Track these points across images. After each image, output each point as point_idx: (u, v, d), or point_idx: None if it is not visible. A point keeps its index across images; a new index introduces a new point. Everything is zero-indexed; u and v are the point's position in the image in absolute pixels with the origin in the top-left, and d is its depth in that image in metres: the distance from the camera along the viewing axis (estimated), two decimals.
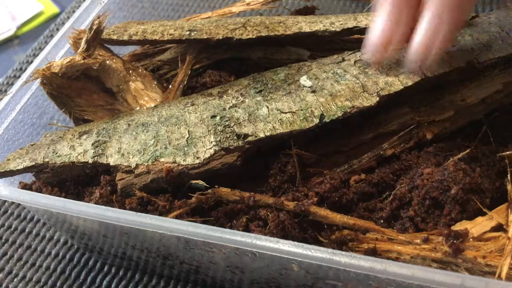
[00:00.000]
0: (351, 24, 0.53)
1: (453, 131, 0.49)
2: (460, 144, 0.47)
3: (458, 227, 0.41)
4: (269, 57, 0.59)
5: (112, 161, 0.48)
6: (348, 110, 0.46)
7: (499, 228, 0.41)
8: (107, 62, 0.59)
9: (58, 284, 0.57)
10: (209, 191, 0.45)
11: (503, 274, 0.37)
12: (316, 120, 0.46)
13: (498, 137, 0.49)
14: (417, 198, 0.43)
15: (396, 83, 0.47)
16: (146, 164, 0.47)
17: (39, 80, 0.55)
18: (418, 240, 0.41)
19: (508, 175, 0.43)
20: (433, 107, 0.49)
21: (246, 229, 0.44)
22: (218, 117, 0.48)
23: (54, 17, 0.98)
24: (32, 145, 0.52)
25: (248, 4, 0.69)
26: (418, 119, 0.48)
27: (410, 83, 0.47)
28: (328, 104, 0.46)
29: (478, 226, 0.41)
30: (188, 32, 0.58)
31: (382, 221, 0.45)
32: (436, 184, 0.42)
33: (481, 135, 0.48)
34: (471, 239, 0.40)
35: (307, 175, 0.48)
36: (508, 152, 0.44)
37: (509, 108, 0.51)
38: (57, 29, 0.91)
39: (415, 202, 0.43)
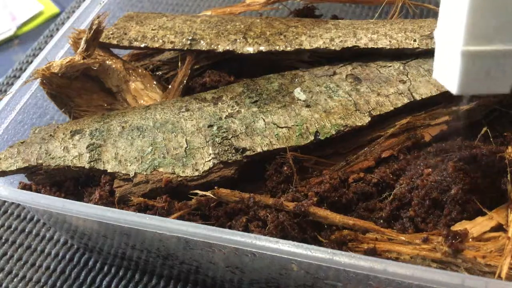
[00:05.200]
0: (350, 42, 0.54)
1: (452, 131, 0.49)
2: (460, 144, 0.47)
3: (458, 227, 0.41)
4: (269, 58, 0.59)
5: (109, 168, 0.48)
6: (342, 129, 0.48)
7: (499, 228, 0.41)
8: (107, 62, 0.59)
9: (58, 284, 0.57)
10: (209, 192, 0.45)
11: (503, 274, 0.37)
12: (311, 137, 0.47)
13: (498, 137, 0.49)
14: (417, 198, 0.43)
15: (387, 103, 0.49)
16: (144, 173, 0.47)
17: (39, 80, 0.55)
18: (418, 240, 0.41)
19: (508, 175, 0.43)
20: (429, 112, 0.50)
21: (246, 229, 0.44)
22: (215, 127, 0.49)
23: (54, 17, 0.98)
24: (22, 142, 0.52)
25: (248, 5, 0.69)
26: (415, 122, 0.49)
27: (399, 104, 0.49)
28: (323, 121, 0.48)
29: (478, 226, 0.41)
30: (189, 42, 0.58)
31: (382, 221, 0.45)
32: (436, 184, 0.42)
33: (481, 135, 0.48)
34: (470, 239, 0.40)
35: (307, 175, 0.48)
36: (508, 152, 0.44)
37: (509, 108, 0.51)
38: (57, 29, 0.91)
39: (415, 202, 0.43)
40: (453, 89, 0.31)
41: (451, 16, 0.28)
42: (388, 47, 0.53)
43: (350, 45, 0.53)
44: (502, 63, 0.29)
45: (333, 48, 0.54)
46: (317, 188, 0.45)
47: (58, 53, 0.60)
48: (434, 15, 0.74)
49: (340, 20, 0.59)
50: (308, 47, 0.55)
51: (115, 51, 0.63)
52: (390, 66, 0.52)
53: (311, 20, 0.59)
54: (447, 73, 0.30)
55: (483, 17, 0.27)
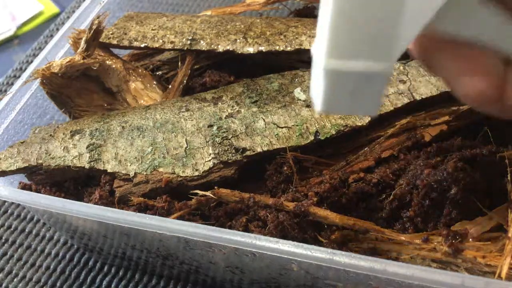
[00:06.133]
0: None
1: (452, 131, 0.50)
2: (460, 144, 0.47)
3: (458, 227, 0.41)
4: (269, 58, 0.59)
5: (109, 168, 0.48)
6: (342, 129, 0.48)
7: (499, 228, 0.41)
8: (107, 62, 0.59)
9: (58, 284, 0.57)
10: (209, 192, 0.45)
11: (503, 274, 0.37)
12: (311, 137, 0.47)
13: (498, 137, 0.49)
14: (417, 198, 0.43)
15: (387, 103, 0.49)
16: (144, 173, 0.47)
17: (39, 80, 0.55)
18: (418, 240, 0.41)
19: (508, 175, 0.43)
20: (429, 112, 0.50)
21: (246, 229, 0.44)
22: (215, 127, 0.49)
23: (54, 17, 0.98)
24: (22, 142, 0.52)
25: (248, 5, 0.69)
26: (415, 122, 0.49)
27: (399, 105, 0.49)
28: (323, 121, 0.48)
29: (478, 226, 0.41)
30: (189, 42, 0.58)
31: (382, 221, 0.45)
32: (436, 184, 0.42)
33: (481, 135, 0.48)
34: (471, 239, 0.40)
35: (307, 175, 0.48)
36: (508, 152, 0.44)
37: None
38: (57, 29, 0.91)
39: (415, 202, 0.43)
40: (318, 106, 0.29)
41: (320, 31, 0.27)
42: None
43: None
44: (365, 84, 0.27)
45: None
46: (317, 188, 0.45)
47: (58, 53, 0.60)
48: None
49: None
50: (308, 47, 0.55)
51: (115, 51, 0.63)
52: None
53: (311, 20, 0.59)
54: (316, 89, 0.29)
55: (346, 35, 0.26)
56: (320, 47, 0.27)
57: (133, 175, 0.47)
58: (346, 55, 0.26)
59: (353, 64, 0.26)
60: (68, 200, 0.45)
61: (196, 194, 0.45)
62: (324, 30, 0.26)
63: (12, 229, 0.64)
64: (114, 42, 0.60)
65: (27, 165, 0.50)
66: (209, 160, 0.47)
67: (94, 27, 0.55)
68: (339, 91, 0.28)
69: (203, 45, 0.58)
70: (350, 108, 0.29)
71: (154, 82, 0.60)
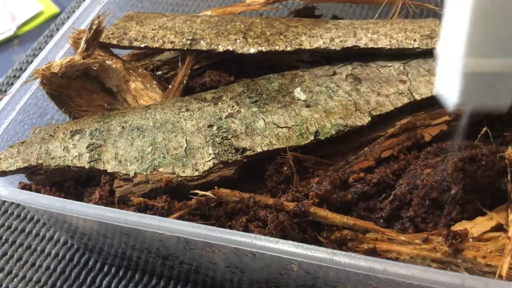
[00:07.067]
0: (350, 42, 0.54)
1: (452, 131, 0.50)
2: (460, 144, 0.47)
3: (458, 227, 0.41)
4: (269, 58, 0.59)
5: (109, 168, 0.48)
6: (342, 129, 0.48)
7: (499, 228, 0.41)
8: (107, 62, 0.59)
9: (58, 284, 0.57)
10: (209, 192, 0.45)
11: (503, 274, 0.37)
12: (311, 137, 0.48)
13: (498, 137, 0.49)
14: (417, 198, 0.43)
15: (387, 103, 0.49)
16: (144, 173, 0.47)
17: (39, 80, 0.55)
18: (418, 240, 0.41)
19: (508, 175, 0.43)
20: (429, 112, 0.50)
21: (246, 229, 0.44)
22: (215, 127, 0.49)
23: (54, 17, 0.98)
24: (22, 142, 0.52)
25: (248, 5, 0.69)
26: (415, 122, 0.49)
27: (399, 104, 0.49)
28: (323, 121, 0.48)
29: (478, 226, 0.41)
30: (189, 42, 0.58)
31: (382, 221, 0.45)
32: (436, 184, 0.42)
33: (481, 135, 0.48)
34: (471, 239, 0.40)
35: (307, 176, 0.48)
36: (508, 152, 0.44)
37: (509, 108, 0.51)
38: (57, 29, 0.91)
39: (415, 202, 0.43)
40: (453, 99, 0.31)
41: (454, 29, 0.28)
42: (388, 47, 0.53)
43: (350, 45, 0.53)
44: (501, 79, 0.29)
45: (333, 48, 0.54)
46: (317, 188, 0.45)
47: (58, 53, 0.60)
48: (434, 15, 0.74)
49: (340, 20, 0.59)
50: (308, 47, 0.55)
51: (115, 51, 0.63)
52: (390, 66, 0.52)
53: (311, 20, 0.59)
54: (448, 84, 0.30)
55: (485, 31, 0.27)
56: (454, 46, 0.28)
57: (133, 175, 0.48)
58: (484, 53, 0.27)
59: (491, 62, 0.28)
60: (68, 200, 0.45)
61: (196, 194, 0.45)
62: (460, 30, 0.27)
63: (12, 229, 0.64)
64: (114, 42, 0.61)
65: (27, 165, 0.50)
66: (209, 160, 0.47)
67: (94, 27, 0.55)
68: (476, 87, 0.29)
69: (203, 45, 0.58)
70: (483, 101, 0.31)
71: (154, 82, 0.60)
